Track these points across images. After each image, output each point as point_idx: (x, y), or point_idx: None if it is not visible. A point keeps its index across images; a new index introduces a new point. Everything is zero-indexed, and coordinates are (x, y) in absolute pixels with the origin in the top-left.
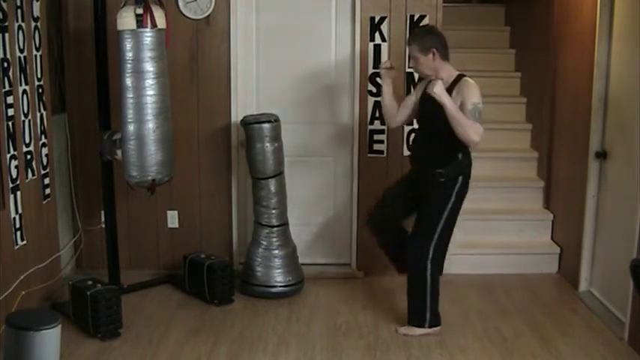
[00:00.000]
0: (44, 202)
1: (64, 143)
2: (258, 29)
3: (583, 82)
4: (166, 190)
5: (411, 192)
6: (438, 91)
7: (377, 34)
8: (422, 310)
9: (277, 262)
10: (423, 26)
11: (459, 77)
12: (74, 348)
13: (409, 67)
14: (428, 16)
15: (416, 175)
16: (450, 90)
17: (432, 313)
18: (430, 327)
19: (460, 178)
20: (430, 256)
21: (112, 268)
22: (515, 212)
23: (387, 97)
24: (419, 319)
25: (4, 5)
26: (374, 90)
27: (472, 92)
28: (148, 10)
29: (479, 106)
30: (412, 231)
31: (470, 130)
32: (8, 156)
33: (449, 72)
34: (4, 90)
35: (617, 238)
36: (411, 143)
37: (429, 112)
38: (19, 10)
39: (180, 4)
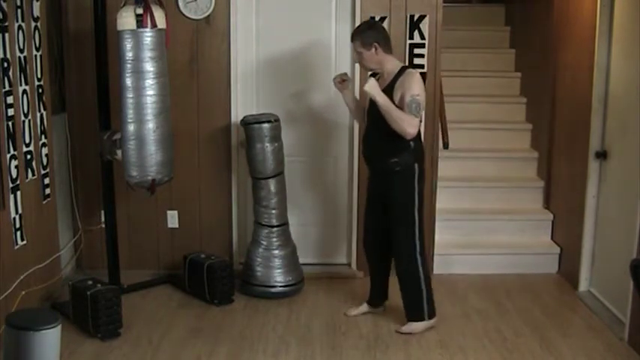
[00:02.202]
0: (44, 202)
1: (64, 143)
2: (258, 29)
3: (583, 82)
4: (166, 190)
5: (380, 201)
6: (368, 88)
7: None
8: (419, 304)
9: (277, 262)
10: (365, 22)
11: (403, 69)
12: (74, 348)
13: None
14: (428, 16)
15: (376, 177)
16: (393, 82)
17: (428, 304)
18: (429, 318)
19: (416, 166)
20: (417, 250)
21: (112, 268)
22: (515, 212)
23: (352, 106)
24: (418, 314)
25: (4, 5)
26: None
27: (412, 84)
28: (148, 10)
29: (417, 98)
30: (392, 231)
31: (403, 123)
32: (8, 156)
33: (393, 64)
34: (4, 90)
35: (617, 238)
36: (362, 142)
37: (374, 106)
38: (19, 10)
39: (180, 4)
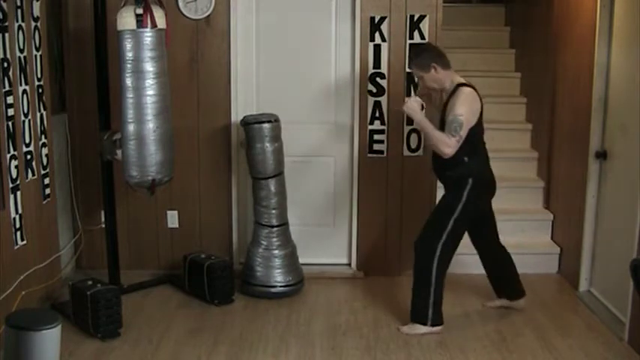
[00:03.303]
0: (44, 202)
1: (64, 143)
2: (258, 29)
3: (583, 82)
4: (166, 190)
5: None
6: (406, 108)
7: (377, 34)
8: (425, 307)
9: (277, 262)
10: (415, 46)
11: (457, 87)
12: (74, 348)
13: (408, 69)
14: (428, 16)
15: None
16: (447, 101)
17: (434, 311)
18: (432, 325)
19: (470, 180)
20: (437, 255)
21: (112, 268)
22: (515, 212)
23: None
24: (421, 317)
25: (4, 5)
26: (374, 90)
27: (458, 103)
28: (148, 10)
29: (459, 117)
30: (422, 228)
31: (438, 143)
32: (8, 156)
33: (450, 82)
34: (4, 90)
35: (617, 238)
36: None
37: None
38: (19, 10)
39: (180, 4)
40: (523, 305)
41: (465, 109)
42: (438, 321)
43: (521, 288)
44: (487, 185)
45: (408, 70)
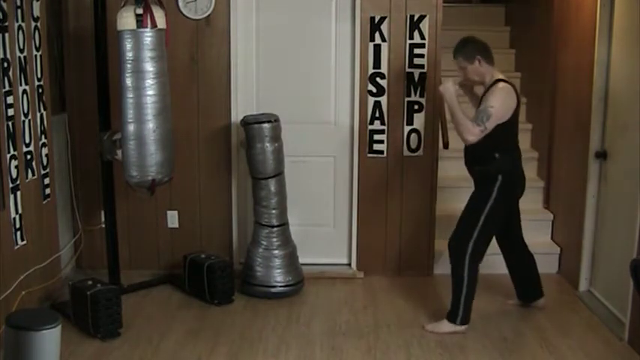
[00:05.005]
0: (44, 202)
1: (64, 143)
2: (258, 29)
3: (583, 82)
4: (166, 190)
5: None
6: (442, 88)
7: (377, 34)
8: (457, 306)
9: (277, 262)
10: (463, 38)
11: (495, 82)
12: (74, 348)
13: (408, 69)
14: (428, 16)
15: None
16: (484, 94)
17: (464, 310)
18: (461, 324)
19: (500, 177)
20: (469, 252)
21: (112, 268)
22: None
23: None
24: (452, 315)
25: (4, 5)
26: (374, 90)
27: (493, 96)
28: (148, 10)
29: (489, 109)
30: (455, 227)
31: (460, 127)
32: (8, 156)
33: (491, 76)
34: (4, 90)
35: (617, 238)
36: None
37: None
38: (19, 10)
39: (180, 4)
40: (544, 304)
41: (498, 102)
42: (466, 320)
43: (540, 289)
44: (516, 183)
45: (407, 70)
